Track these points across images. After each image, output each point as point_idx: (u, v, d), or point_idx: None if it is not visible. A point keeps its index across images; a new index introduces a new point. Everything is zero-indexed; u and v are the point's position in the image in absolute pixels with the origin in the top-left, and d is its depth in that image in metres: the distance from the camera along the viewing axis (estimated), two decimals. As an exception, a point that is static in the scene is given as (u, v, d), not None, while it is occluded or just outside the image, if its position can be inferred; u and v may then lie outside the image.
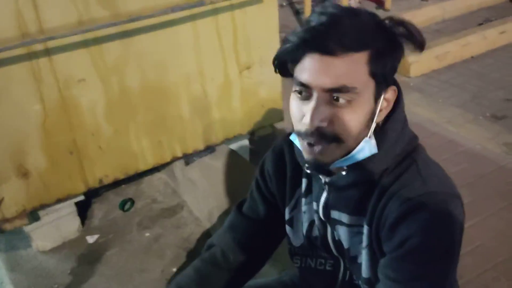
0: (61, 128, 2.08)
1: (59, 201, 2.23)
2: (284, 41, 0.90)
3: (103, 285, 2.16)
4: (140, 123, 2.27)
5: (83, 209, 2.57)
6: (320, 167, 0.96)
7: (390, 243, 0.91)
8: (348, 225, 1.01)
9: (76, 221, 2.44)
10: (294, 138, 1.01)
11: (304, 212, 1.10)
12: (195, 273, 1.18)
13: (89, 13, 1.95)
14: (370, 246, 0.97)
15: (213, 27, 2.28)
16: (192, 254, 2.27)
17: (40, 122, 2.03)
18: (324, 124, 0.87)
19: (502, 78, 3.58)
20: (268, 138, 2.70)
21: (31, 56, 1.92)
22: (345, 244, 1.04)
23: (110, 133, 2.21)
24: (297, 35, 0.86)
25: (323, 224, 1.07)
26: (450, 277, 0.91)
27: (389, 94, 0.93)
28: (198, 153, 2.54)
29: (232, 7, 2.28)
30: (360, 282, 1.05)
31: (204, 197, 2.48)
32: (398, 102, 0.97)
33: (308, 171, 1.03)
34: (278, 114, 2.65)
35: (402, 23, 0.89)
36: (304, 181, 1.09)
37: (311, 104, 0.87)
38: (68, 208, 2.36)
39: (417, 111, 3.13)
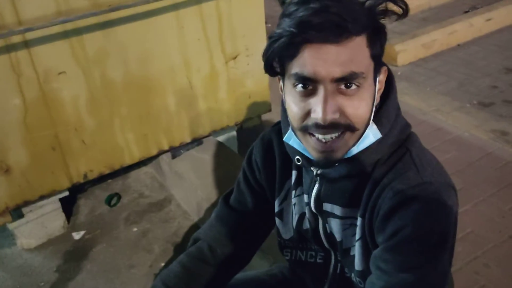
0: (42, 123, 2.03)
1: (42, 197, 2.18)
2: (272, 37, 0.84)
3: (90, 282, 2.12)
4: (124, 116, 2.22)
5: (68, 205, 2.52)
6: (332, 163, 0.93)
7: (383, 234, 0.89)
8: (341, 218, 0.99)
9: (61, 217, 2.40)
10: (289, 138, 0.97)
11: (294, 205, 1.08)
12: (182, 268, 1.14)
13: (68, 3, 1.89)
14: (363, 238, 0.95)
15: (197, 17, 2.23)
16: (180, 248, 2.24)
17: (20, 117, 1.98)
18: (337, 116, 0.83)
19: (488, 65, 3.59)
20: (256, 129, 2.67)
21: (9, 48, 1.86)
22: (338, 237, 1.01)
23: (94, 127, 2.16)
24: (289, 28, 0.80)
25: (315, 217, 1.04)
26: (442, 267, 0.89)
27: (382, 75, 0.91)
28: (185, 146, 2.51)
29: (216, -4, 2.24)
30: (352, 275, 1.03)
31: (192, 190, 2.44)
32: (391, 89, 0.94)
33: (298, 163, 1.00)
34: (265, 105, 2.62)
35: (379, 2, 0.85)
36: (294, 173, 1.06)
37: (320, 97, 0.83)
38: (53, 205, 2.31)
39: (405, 100, 3.13)
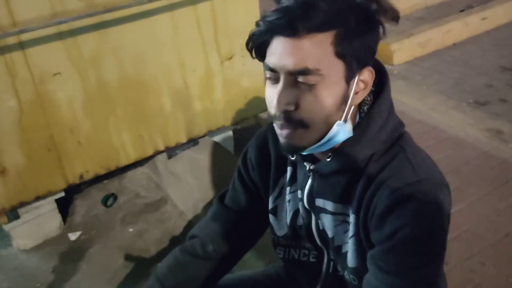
0: (37, 124, 2.03)
1: (38, 198, 2.18)
2: (257, 24, 0.88)
3: (87, 283, 2.12)
4: (120, 117, 2.22)
5: (64, 206, 2.52)
6: (295, 150, 0.94)
7: (379, 233, 0.89)
8: (332, 213, 0.99)
9: (57, 218, 2.39)
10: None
11: (289, 201, 1.08)
12: (174, 261, 1.18)
13: (63, 4, 1.89)
14: (357, 235, 0.95)
15: (193, 17, 2.23)
16: (177, 249, 2.24)
17: (15, 119, 1.97)
18: (291, 108, 0.86)
19: (484, 64, 3.60)
20: (252, 129, 2.67)
21: (4, 50, 1.85)
22: (329, 233, 1.01)
23: (89, 128, 2.16)
24: (265, 18, 0.85)
25: (308, 213, 1.05)
26: (439, 264, 0.89)
27: (365, 76, 0.89)
28: (181, 146, 2.51)
29: (211, -4, 2.24)
30: (346, 272, 1.02)
31: (188, 191, 2.45)
32: (384, 86, 0.94)
33: (292, 158, 1.01)
34: (261, 104, 2.62)
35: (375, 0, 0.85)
36: (289, 169, 1.07)
37: (278, 87, 0.86)
38: (49, 205, 2.31)
39: (401, 99, 3.13)
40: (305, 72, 0.83)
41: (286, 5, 0.83)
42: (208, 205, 2.26)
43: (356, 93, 0.89)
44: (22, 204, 2.15)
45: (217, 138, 2.66)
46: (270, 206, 1.12)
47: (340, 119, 0.89)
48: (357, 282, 0.99)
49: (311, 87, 0.84)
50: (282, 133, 0.90)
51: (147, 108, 2.28)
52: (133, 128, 2.28)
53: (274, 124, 0.93)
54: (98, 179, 2.60)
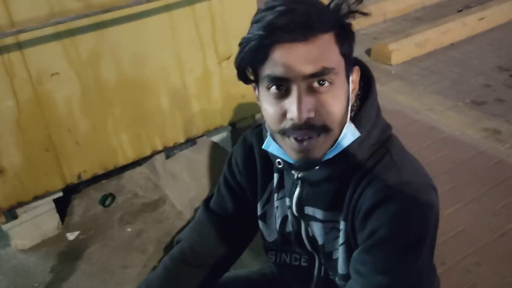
0: (35, 124, 2.03)
1: (36, 198, 2.18)
2: (242, 43, 0.85)
3: (85, 283, 2.13)
4: (118, 117, 2.23)
5: (62, 206, 2.52)
6: (310, 165, 0.92)
7: (362, 234, 0.89)
8: (322, 221, 0.99)
9: (56, 218, 2.40)
10: (268, 145, 0.97)
11: (277, 207, 1.07)
12: (164, 270, 1.14)
13: (60, 4, 1.89)
14: (347, 242, 0.95)
15: (190, 17, 2.24)
16: (175, 248, 2.25)
17: (13, 119, 1.98)
18: (312, 115, 0.83)
19: (481, 64, 3.60)
20: (250, 129, 2.67)
21: (2, 50, 1.86)
22: (320, 240, 1.01)
23: (87, 128, 2.16)
24: (257, 31, 0.81)
25: (297, 220, 1.04)
26: (419, 269, 0.88)
27: (355, 75, 0.91)
28: (179, 146, 2.51)
29: (209, -4, 2.25)
30: (336, 278, 1.03)
31: (186, 190, 2.45)
32: (370, 90, 0.94)
33: (279, 166, 1.00)
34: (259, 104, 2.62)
35: (343, 1, 0.86)
36: (275, 176, 1.06)
37: (293, 96, 0.83)
38: (47, 205, 2.32)
39: (398, 99, 3.13)
40: (324, 72, 0.82)
41: (285, 10, 0.81)
42: (206, 205, 2.26)
43: (351, 92, 0.90)
44: (20, 204, 2.16)
45: (215, 138, 2.66)
46: (259, 212, 1.11)
47: (346, 121, 0.89)
48: None
49: (329, 88, 0.84)
50: (302, 145, 0.86)
51: (145, 108, 2.29)
52: (131, 128, 2.28)
53: (281, 140, 0.89)
54: (96, 179, 2.61)
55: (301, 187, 0.99)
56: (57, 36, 1.94)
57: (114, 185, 2.73)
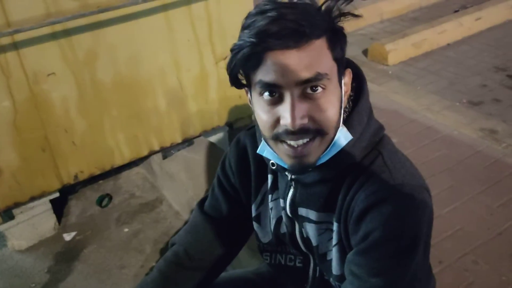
0: (32, 125, 2.03)
1: (33, 199, 2.17)
2: (233, 50, 0.84)
3: (82, 283, 2.12)
4: (114, 117, 2.22)
5: (59, 207, 2.52)
6: (304, 169, 0.92)
7: (355, 236, 0.89)
8: (316, 222, 0.99)
9: (52, 218, 2.39)
10: (262, 150, 0.97)
11: (271, 209, 1.07)
12: (158, 273, 1.14)
13: (57, 4, 1.89)
14: (340, 243, 0.95)
15: (187, 18, 2.23)
16: (172, 249, 2.24)
17: (10, 119, 1.97)
18: (305, 121, 0.83)
19: (477, 64, 3.61)
20: (247, 129, 2.67)
21: (-2, 50, 1.85)
22: (314, 242, 1.01)
23: (84, 128, 2.16)
24: (249, 38, 0.81)
25: (291, 221, 1.04)
26: (413, 271, 0.88)
27: (347, 78, 0.91)
28: (176, 146, 2.51)
29: (205, -4, 2.25)
30: (331, 279, 1.03)
31: (183, 190, 2.45)
32: (362, 91, 0.94)
33: (273, 167, 1.00)
34: (256, 104, 2.62)
35: (334, 4, 0.86)
36: (270, 177, 1.06)
37: (287, 103, 0.82)
38: (43, 206, 2.31)
39: (396, 99, 3.14)
40: (317, 78, 0.82)
41: (276, 16, 0.80)
42: (203, 205, 2.26)
43: (344, 95, 0.90)
44: (17, 204, 2.15)
45: (212, 138, 2.66)
46: (254, 213, 1.11)
47: (340, 124, 0.89)
48: None
49: (322, 93, 0.83)
50: (296, 150, 0.86)
51: (142, 108, 2.28)
52: (128, 128, 2.28)
53: (274, 145, 0.89)
54: (93, 180, 2.60)
55: (294, 188, 0.99)
56: (54, 36, 1.94)
57: (111, 185, 2.72)
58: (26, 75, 1.94)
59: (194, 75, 2.37)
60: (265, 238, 1.12)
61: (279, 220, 1.06)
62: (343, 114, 0.91)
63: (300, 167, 0.89)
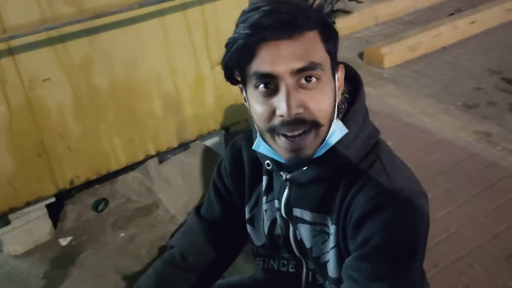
0: (28, 130, 2.02)
1: (29, 204, 2.17)
2: (228, 43, 0.86)
3: (78, 288, 2.12)
4: (110, 122, 2.22)
5: (55, 212, 2.51)
6: (301, 162, 0.92)
7: (354, 241, 0.90)
8: (310, 223, 0.99)
9: (48, 223, 2.39)
10: (258, 146, 0.97)
11: (265, 210, 1.07)
12: (155, 273, 1.16)
13: (52, 10, 1.89)
14: (338, 246, 0.95)
15: (183, 23, 2.24)
16: (168, 253, 2.24)
17: (5, 124, 1.97)
18: (301, 110, 0.84)
19: (472, 68, 3.64)
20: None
21: (-7, 55, 1.85)
22: (307, 244, 1.01)
23: (80, 133, 2.16)
24: (243, 30, 0.83)
25: (285, 222, 1.04)
26: (413, 275, 0.89)
27: (340, 73, 0.93)
28: (172, 151, 2.51)
29: (201, 1, 2.25)
30: (327, 282, 1.02)
31: (179, 195, 2.45)
32: (358, 93, 0.95)
33: (268, 167, 1.00)
34: (252, 108, 2.62)
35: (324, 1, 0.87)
36: (264, 179, 1.06)
37: (282, 93, 0.83)
38: (39, 211, 2.31)
39: (391, 102, 3.15)
40: (311, 67, 0.83)
41: (270, 9, 0.82)
42: (199, 209, 2.26)
43: (338, 89, 0.91)
44: (12, 209, 2.14)
45: (208, 142, 2.66)
46: (247, 216, 1.11)
47: (334, 118, 0.90)
48: None
49: (316, 84, 0.84)
50: (293, 142, 0.86)
51: (138, 113, 2.29)
52: (124, 133, 2.28)
53: (270, 138, 0.89)
54: (89, 184, 2.60)
55: (289, 188, 1.00)
56: (49, 41, 1.94)
57: (107, 190, 2.72)
58: (21, 81, 1.94)
59: (190, 80, 2.38)
60: (259, 241, 1.11)
61: (273, 222, 1.06)
62: (339, 115, 0.92)
63: (297, 160, 0.89)
